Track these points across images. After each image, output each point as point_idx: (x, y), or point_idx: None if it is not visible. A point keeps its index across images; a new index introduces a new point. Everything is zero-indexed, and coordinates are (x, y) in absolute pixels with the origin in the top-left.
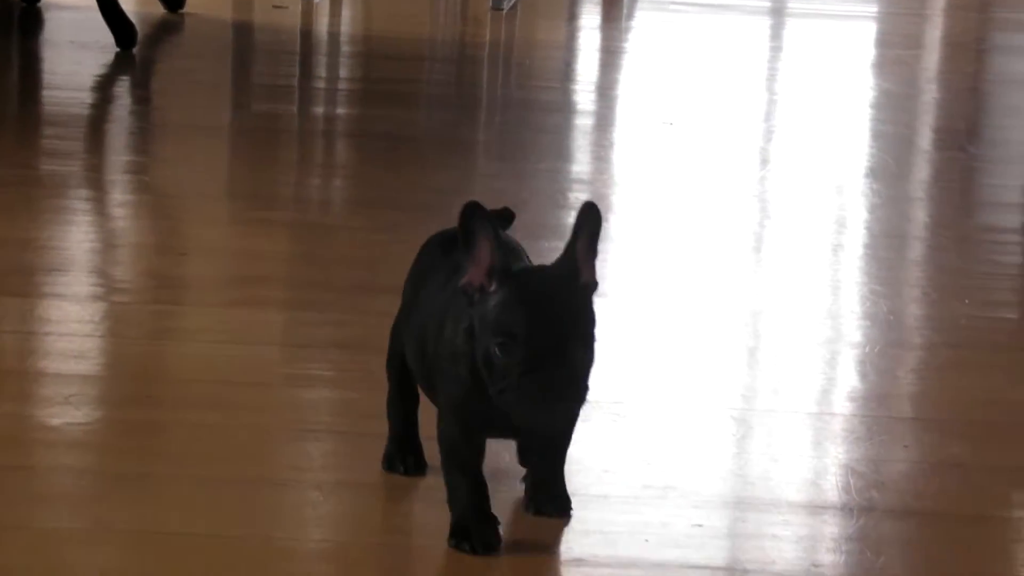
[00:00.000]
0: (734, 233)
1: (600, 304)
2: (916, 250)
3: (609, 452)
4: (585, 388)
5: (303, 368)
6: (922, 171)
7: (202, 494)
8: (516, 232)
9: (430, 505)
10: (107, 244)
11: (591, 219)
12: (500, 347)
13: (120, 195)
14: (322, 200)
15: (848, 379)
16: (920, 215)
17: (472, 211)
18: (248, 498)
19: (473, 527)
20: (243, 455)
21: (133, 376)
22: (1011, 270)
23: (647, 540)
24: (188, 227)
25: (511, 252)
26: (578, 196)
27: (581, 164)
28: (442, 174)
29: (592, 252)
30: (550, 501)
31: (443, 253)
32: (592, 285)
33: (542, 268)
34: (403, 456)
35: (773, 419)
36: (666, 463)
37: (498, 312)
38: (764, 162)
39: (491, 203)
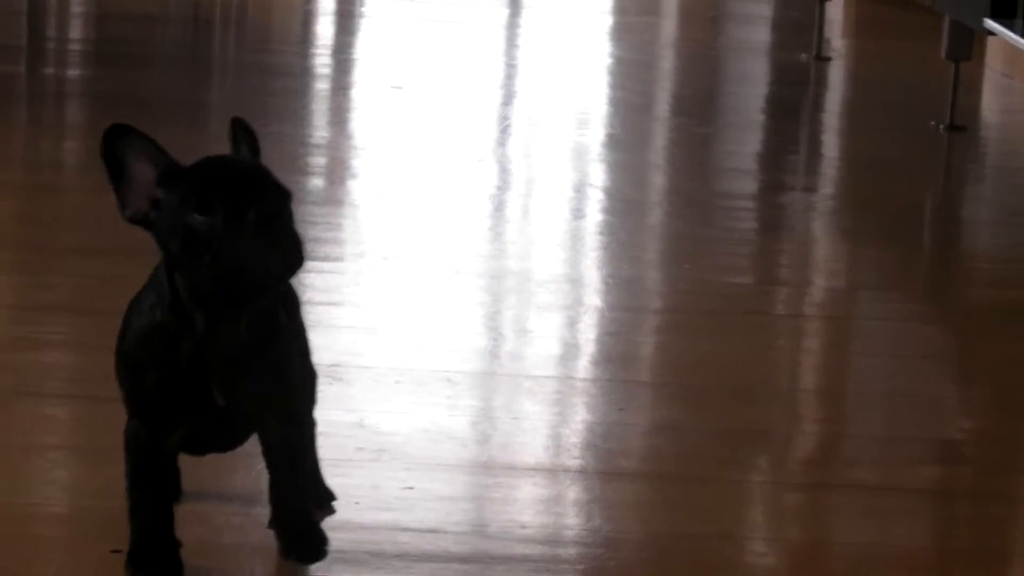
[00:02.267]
0: (471, 198)
1: (333, 267)
2: (650, 216)
3: (323, 415)
4: (301, 242)
5: (21, 331)
6: (658, 138)
7: None
8: None
9: None
10: None
11: (246, 133)
12: (198, 208)
13: None
14: (50, 161)
15: (568, 343)
16: (656, 181)
17: (115, 135)
18: None
19: (150, 554)
20: None
21: None
22: (741, 235)
23: (357, 503)
24: None
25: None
26: (310, 161)
27: (315, 128)
28: (172, 136)
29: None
30: (303, 543)
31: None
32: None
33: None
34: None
35: (490, 382)
36: (380, 426)
37: (183, 195)
38: (501, 127)
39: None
